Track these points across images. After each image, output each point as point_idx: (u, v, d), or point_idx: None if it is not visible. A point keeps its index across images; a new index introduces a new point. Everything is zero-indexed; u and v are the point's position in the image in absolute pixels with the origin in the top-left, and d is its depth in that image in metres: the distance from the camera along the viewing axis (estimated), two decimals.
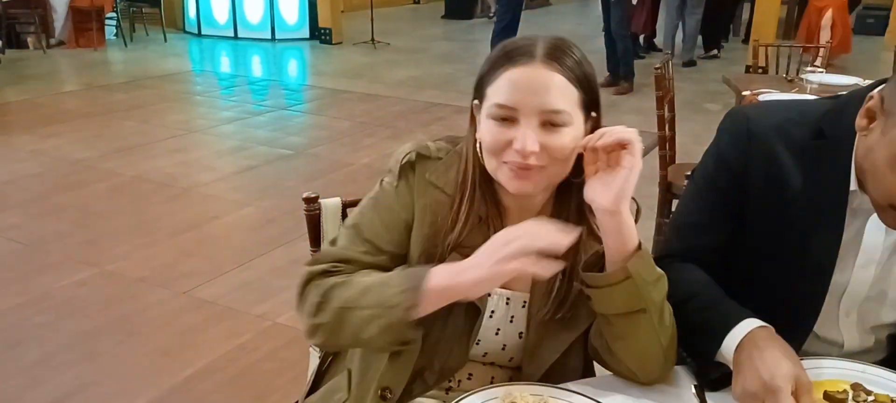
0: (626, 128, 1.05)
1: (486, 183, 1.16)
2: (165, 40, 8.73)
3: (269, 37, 8.97)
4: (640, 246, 1.10)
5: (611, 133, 1.04)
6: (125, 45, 8.54)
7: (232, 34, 9.05)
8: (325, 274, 1.15)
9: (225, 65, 8.45)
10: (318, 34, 8.98)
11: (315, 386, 1.37)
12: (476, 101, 1.15)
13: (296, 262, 3.31)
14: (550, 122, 1.06)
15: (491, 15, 10.42)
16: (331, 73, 7.71)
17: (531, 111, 1.06)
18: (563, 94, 1.07)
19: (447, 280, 1.03)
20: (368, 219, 1.21)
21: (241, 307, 2.98)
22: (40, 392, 2.45)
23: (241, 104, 6.55)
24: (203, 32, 9.19)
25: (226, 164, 4.73)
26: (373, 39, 8.78)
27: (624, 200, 1.07)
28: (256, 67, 8.28)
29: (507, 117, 1.07)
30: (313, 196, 1.44)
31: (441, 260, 1.13)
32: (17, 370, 2.55)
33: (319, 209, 1.44)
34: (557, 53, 1.08)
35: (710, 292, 1.20)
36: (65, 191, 4.20)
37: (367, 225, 1.20)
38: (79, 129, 5.34)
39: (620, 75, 6.92)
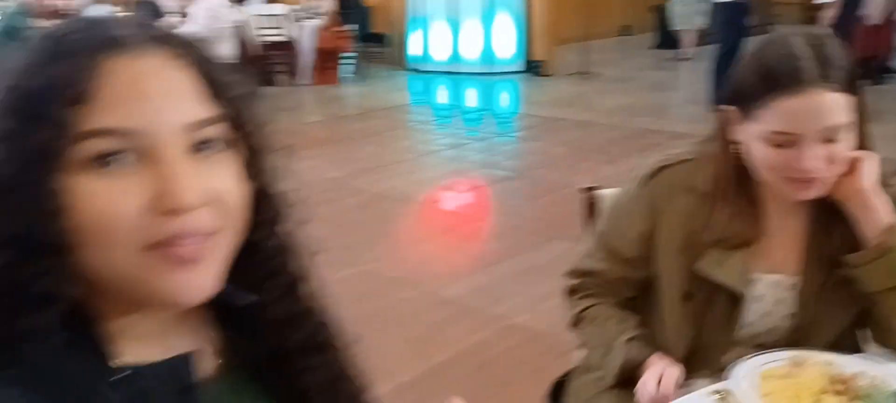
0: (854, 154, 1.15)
1: (743, 181, 1.21)
2: (391, 76, 9.55)
3: (485, 70, 9.46)
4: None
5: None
6: (358, 81, 9.43)
7: (450, 69, 9.66)
8: (574, 291, 1.38)
9: (443, 96, 9.04)
10: (531, 67, 9.32)
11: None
12: (735, 109, 1.18)
13: (525, 271, 3.56)
14: (832, 138, 1.11)
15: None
16: (544, 102, 7.98)
17: (813, 134, 1.10)
18: (840, 110, 1.10)
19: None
20: (611, 226, 1.34)
21: (480, 307, 3.27)
22: None
23: (459, 131, 7.01)
24: (424, 68, 9.90)
25: (453, 184, 5.13)
26: (584, 70, 8.96)
27: (861, 177, 1.14)
28: (472, 98, 8.78)
29: (786, 142, 1.12)
30: (591, 186, 1.56)
31: (700, 258, 1.22)
32: None
33: (595, 199, 1.53)
34: (826, 66, 1.09)
35: None
36: (322, 203, 4.79)
37: (610, 231, 1.34)
38: (327, 153, 6.03)
39: None
